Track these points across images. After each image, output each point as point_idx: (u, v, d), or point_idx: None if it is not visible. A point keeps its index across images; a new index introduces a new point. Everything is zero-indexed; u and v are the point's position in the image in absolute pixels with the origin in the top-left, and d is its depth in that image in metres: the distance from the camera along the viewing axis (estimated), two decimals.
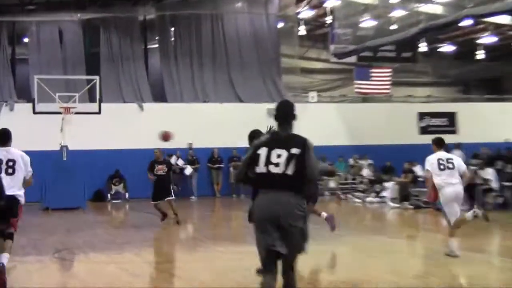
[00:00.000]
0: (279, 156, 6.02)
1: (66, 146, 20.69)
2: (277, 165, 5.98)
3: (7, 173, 8.24)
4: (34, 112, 21.26)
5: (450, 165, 10.58)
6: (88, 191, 21.24)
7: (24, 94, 24.44)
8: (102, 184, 23.94)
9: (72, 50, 25.72)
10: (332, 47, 27.15)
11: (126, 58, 26.24)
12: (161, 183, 15.59)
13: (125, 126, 24.30)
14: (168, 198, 15.68)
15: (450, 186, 10.49)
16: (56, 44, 25.46)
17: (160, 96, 26.16)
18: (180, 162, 24.18)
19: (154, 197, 15.66)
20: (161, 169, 15.78)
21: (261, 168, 6.03)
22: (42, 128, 22.32)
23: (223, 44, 26.98)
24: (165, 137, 15.29)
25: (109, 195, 23.91)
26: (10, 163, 8.26)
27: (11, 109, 24.00)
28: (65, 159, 20.50)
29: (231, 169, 24.56)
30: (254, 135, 8.63)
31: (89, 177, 21.39)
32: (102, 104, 21.74)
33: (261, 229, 5.97)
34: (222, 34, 26.85)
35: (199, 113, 25.16)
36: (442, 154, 10.63)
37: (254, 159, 6.09)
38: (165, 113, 24.54)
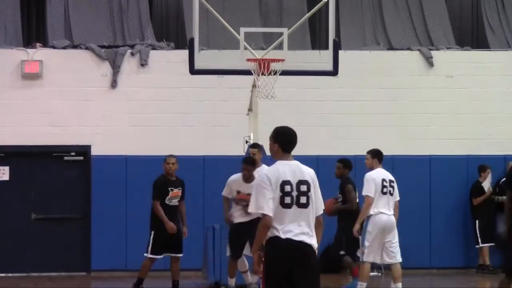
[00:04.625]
0: None
1: (261, 148, 16.46)
2: None
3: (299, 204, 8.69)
4: (193, 71, 17.03)
5: None
6: None
7: (167, 30, 22.22)
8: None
9: None
10: None
11: None
12: (174, 221, 15.85)
13: (391, 101, 20.70)
14: (176, 255, 15.90)
15: None
16: None
17: (471, 36, 23.02)
18: None
19: (155, 246, 15.87)
20: (175, 196, 15.99)
21: None
22: (206, 107, 20.12)
23: None
24: None
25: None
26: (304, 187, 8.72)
27: (143, 63, 20.44)
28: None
29: None
30: None
31: None
32: (341, 53, 17.26)
33: None
34: None
35: None
36: None
37: None
38: (481, 72, 21.04)
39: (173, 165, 15.76)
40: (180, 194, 15.85)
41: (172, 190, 15.71)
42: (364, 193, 14.88)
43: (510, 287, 12.20)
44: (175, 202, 15.72)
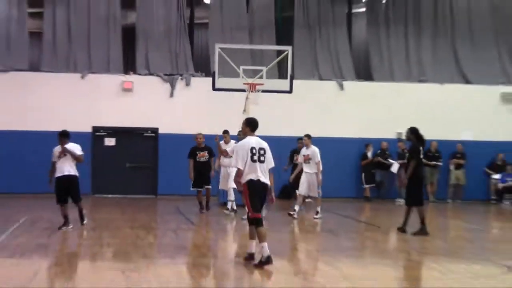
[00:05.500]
0: None
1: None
2: None
3: (259, 161, 8.50)
4: (214, 89, 16.42)
5: None
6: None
7: (201, 65, 20.40)
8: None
9: (260, 14, 20.56)
10: None
11: (324, 24, 20.51)
12: (202, 170, 14.90)
13: (321, 108, 19.52)
14: (206, 187, 15.02)
15: None
16: (242, 7, 20.55)
17: (364, 73, 20.86)
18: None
19: (194, 184, 14.99)
20: (202, 156, 15.01)
21: None
22: (221, 108, 18.59)
23: (449, 9, 20.79)
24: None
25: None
26: (262, 151, 8.52)
27: (187, 84, 19.52)
28: None
29: (451, 167, 19.77)
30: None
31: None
32: (294, 81, 16.90)
33: None
34: None
35: (412, 96, 19.73)
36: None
37: None
38: (370, 94, 19.76)
39: (200, 139, 15.13)
40: (207, 155, 15.08)
41: (199, 152, 15.07)
42: (319, 159, 13.83)
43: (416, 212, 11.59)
44: (203, 159, 15.05)
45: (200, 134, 15.35)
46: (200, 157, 15.14)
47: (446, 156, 19.49)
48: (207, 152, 15.22)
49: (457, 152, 19.42)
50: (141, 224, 12.59)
